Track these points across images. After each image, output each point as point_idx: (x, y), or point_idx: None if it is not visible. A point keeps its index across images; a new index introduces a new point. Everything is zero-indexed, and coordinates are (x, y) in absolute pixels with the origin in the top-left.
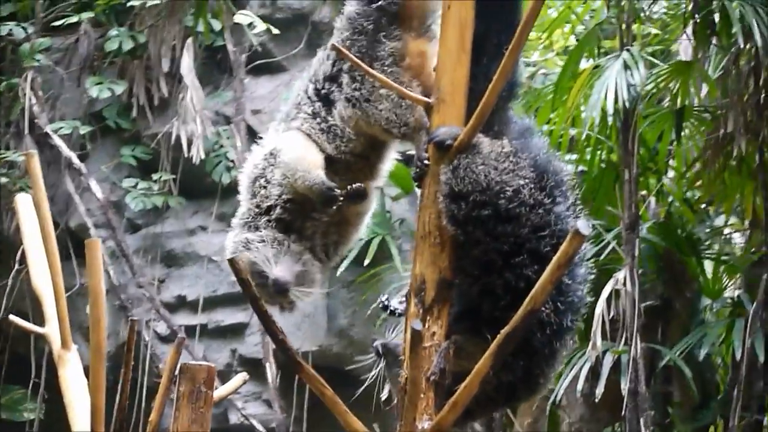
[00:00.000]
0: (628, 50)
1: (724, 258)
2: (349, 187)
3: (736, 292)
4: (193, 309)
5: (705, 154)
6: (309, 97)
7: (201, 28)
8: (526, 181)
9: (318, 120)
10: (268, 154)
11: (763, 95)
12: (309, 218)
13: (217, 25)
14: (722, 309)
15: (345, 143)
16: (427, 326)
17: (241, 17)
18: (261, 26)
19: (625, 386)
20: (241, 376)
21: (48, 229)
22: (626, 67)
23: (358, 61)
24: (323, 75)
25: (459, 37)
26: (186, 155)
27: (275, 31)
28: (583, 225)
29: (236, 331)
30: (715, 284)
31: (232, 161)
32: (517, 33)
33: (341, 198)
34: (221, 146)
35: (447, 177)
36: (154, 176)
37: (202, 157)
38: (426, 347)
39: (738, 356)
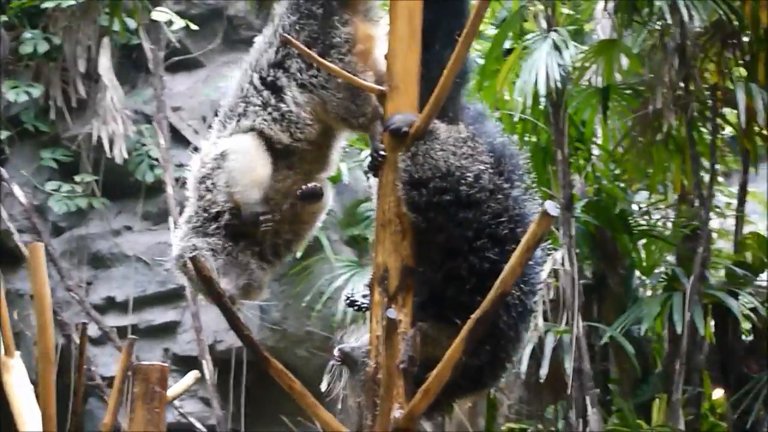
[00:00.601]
0: (556, 30)
1: (655, 234)
2: (303, 186)
3: (670, 266)
4: (123, 310)
5: (632, 131)
6: (255, 88)
7: (117, 27)
8: (486, 166)
9: (269, 110)
10: (218, 156)
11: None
12: (259, 223)
13: (132, 23)
14: (657, 284)
15: (300, 129)
16: None
17: (159, 14)
18: (179, 23)
19: (569, 365)
20: (193, 374)
21: None
22: (555, 47)
23: (309, 51)
24: (267, 63)
25: (408, 23)
26: (108, 155)
27: (194, 27)
28: (551, 206)
29: (168, 329)
30: (648, 260)
31: (156, 159)
32: (470, 18)
33: (268, 223)
34: (143, 145)
35: (406, 164)
36: (77, 178)
37: (125, 156)
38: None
39: (679, 330)
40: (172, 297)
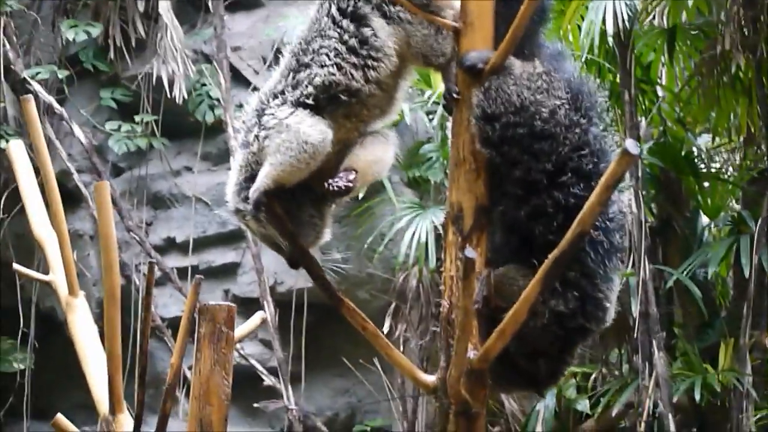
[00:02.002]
0: None
1: (721, 177)
2: (332, 181)
3: (735, 210)
4: (183, 251)
5: (698, 73)
6: (333, 19)
7: None
8: (562, 101)
9: (347, 37)
10: (279, 123)
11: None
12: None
13: None
14: (723, 228)
15: (378, 64)
16: None
17: None
18: None
19: (636, 309)
20: (259, 314)
21: (49, 175)
22: None
23: None
24: None
25: None
26: (168, 96)
27: None
28: (632, 144)
29: (228, 271)
30: (713, 203)
31: (216, 100)
32: None
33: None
34: (203, 85)
35: (479, 99)
36: (136, 118)
37: (185, 96)
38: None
39: (747, 274)
40: (232, 238)
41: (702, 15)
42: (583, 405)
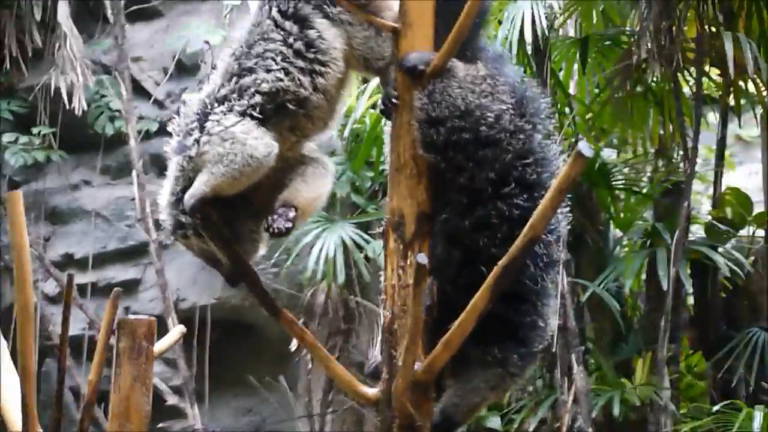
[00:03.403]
0: None
1: (634, 189)
2: (272, 219)
3: (648, 223)
4: (82, 267)
5: (611, 83)
6: (275, 21)
7: None
8: (507, 106)
9: (292, 41)
10: (222, 131)
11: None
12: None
13: None
14: (634, 240)
15: (326, 69)
16: (408, 262)
17: None
18: None
19: (554, 323)
20: (179, 328)
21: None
22: None
23: None
24: None
25: None
26: (66, 107)
27: None
28: (585, 147)
29: (129, 287)
30: (626, 215)
31: (117, 111)
32: None
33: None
34: (103, 96)
35: (422, 103)
36: (34, 130)
37: (84, 108)
38: (409, 285)
39: (665, 286)
40: (132, 254)
41: (614, 25)
42: (495, 422)
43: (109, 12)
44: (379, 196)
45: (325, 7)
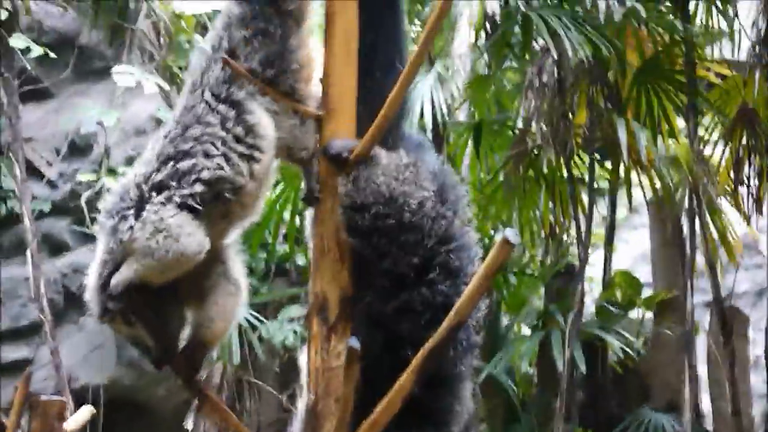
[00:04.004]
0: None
1: (526, 272)
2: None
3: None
4: None
5: (504, 167)
6: (208, 104)
7: None
8: (430, 193)
9: (230, 125)
10: (152, 223)
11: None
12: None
13: None
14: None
15: (261, 155)
16: (332, 345)
17: (17, 41)
18: (37, 50)
19: (470, 405)
20: (88, 408)
21: None
22: (440, 79)
23: (250, 77)
24: (216, 80)
25: (345, 46)
26: None
27: (52, 55)
28: (512, 234)
29: (21, 366)
30: (517, 298)
31: (11, 192)
32: (420, 44)
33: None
34: None
35: (347, 189)
36: None
37: None
38: (333, 367)
39: (560, 367)
40: (24, 333)
41: (504, 110)
42: None
43: (1, 92)
44: (271, 277)
45: (256, 95)
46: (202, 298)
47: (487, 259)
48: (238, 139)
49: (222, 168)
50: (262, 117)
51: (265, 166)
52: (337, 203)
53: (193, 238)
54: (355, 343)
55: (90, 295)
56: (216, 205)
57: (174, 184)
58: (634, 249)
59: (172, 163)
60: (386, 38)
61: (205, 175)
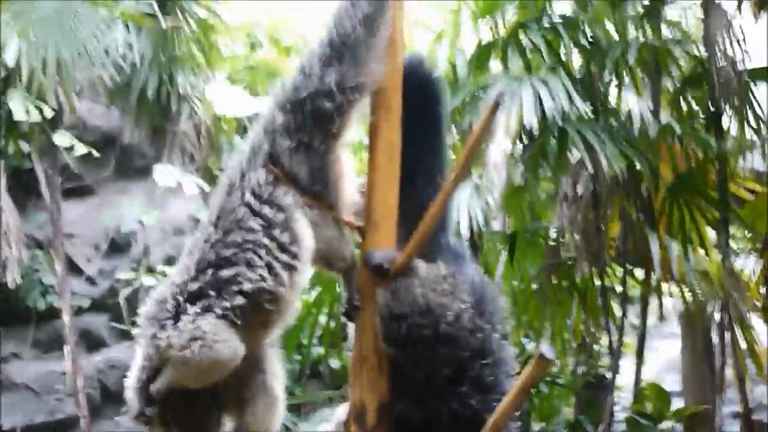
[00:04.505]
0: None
1: (557, 382)
2: None
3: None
4: None
5: (537, 278)
6: (250, 208)
7: (11, 150)
8: (466, 305)
9: (278, 235)
10: (196, 328)
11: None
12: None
13: (26, 147)
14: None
15: (302, 265)
16: None
17: (61, 139)
18: (81, 148)
19: None
20: None
21: None
22: (477, 190)
23: (298, 187)
24: (258, 182)
25: (389, 159)
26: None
27: (95, 154)
28: (547, 349)
29: None
30: (548, 406)
31: (51, 287)
32: (462, 161)
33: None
34: (36, 271)
35: (386, 299)
36: None
37: (18, 282)
38: None
39: None
40: (60, 427)
41: (538, 220)
42: None
43: (42, 187)
44: (305, 379)
45: (300, 204)
46: (241, 407)
47: (523, 374)
48: (282, 248)
49: (264, 279)
50: (305, 226)
51: (304, 277)
52: (376, 313)
53: (227, 344)
54: None
55: (129, 394)
56: (254, 314)
57: (213, 293)
58: (663, 357)
59: (211, 270)
60: (428, 150)
61: (246, 286)
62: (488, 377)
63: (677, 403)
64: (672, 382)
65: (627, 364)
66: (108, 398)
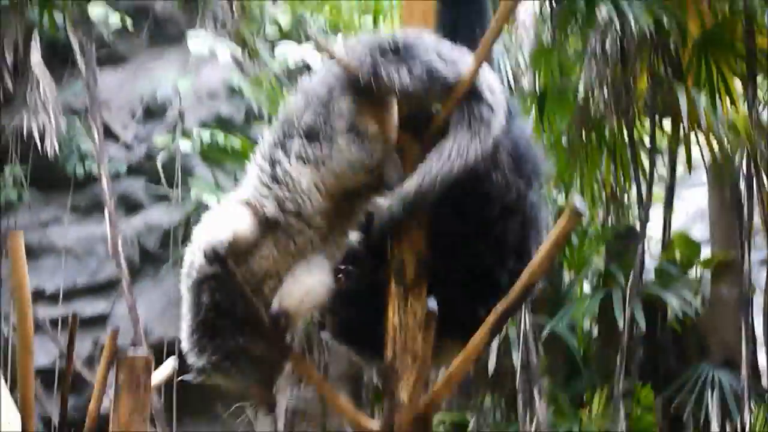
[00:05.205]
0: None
1: (587, 232)
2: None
3: (599, 265)
4: (53, 301)
5: (568, 133)
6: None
7: (46, 21)
8: (504, 161)
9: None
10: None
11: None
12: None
13: (59, 18)
14: (584, 279)
15: (292, 197)
16: (409, 305)
17: (96, 10)
18: (115, 18)
19: (517, 359)
20: (171, 361)
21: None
22: (506, 49)
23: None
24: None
25: (423, 25)
26: (39, 148)
27: (129, 24)
28: (580, 203)
29: (98, 321)
30: (579, 257)
31: (89, 153)
32: (498, 18)
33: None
34: (73, 138)
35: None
36: (6, 170)
37: (56, 149)
38: (410, 325)
39: (621, 326)
40: (101, 289)
41: (566, 77)
42: None
43: (78, 57)
44: None
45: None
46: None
47: (556, 228)
48: (264, 185)
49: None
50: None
51: (301, 209)
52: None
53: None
54: (433, 305)
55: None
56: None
57: None
58: (691, 206)
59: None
60: (469, 12)
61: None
62: (513, 237)
63: (705, 252)
64: (699, 231)
65: (655, 214)
66: (147, 259)
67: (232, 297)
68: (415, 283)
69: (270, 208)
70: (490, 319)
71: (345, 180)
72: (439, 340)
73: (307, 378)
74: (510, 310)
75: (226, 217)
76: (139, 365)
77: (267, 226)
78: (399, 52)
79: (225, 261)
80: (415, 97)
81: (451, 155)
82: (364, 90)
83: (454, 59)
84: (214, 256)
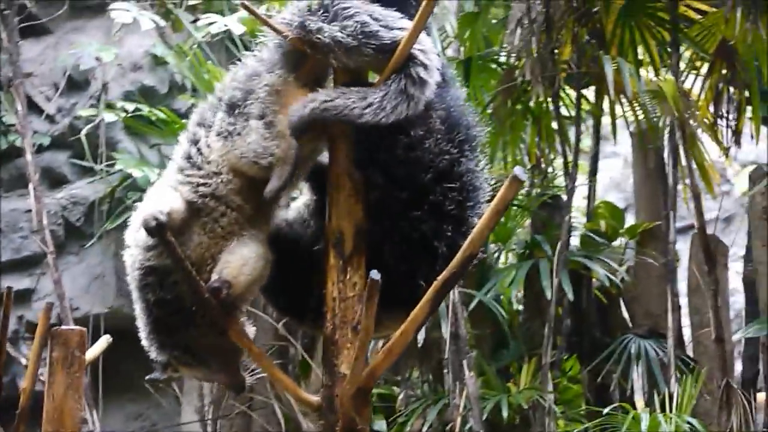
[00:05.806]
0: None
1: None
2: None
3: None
4: None
5: (492, 102)
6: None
7: None
8: (436, 127)
9: (185, 159)
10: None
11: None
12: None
13: None
14: (510, 251)
15: (205, 179)
16: (348, 276)
17: None
18: None
19: (446, 331)
20: (106, 338)
21: None
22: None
23: None
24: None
25: None
26: None
27: None
28: (520, 171)
29: (22, 297)
30: (504, 228)
31: (11, 126)
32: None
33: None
34: None
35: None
36: None
37: None
38: (349, 297)
39: (549, 296)
40: (26, 264)
41: (491, 45)
42: (380, 426)
43: (1, 29)
44: None
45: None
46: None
47: (497, 196)
48: (181, 169)
49: None
50: (207, 147)
51: (215, 191)
52: (350, 143)
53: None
54: (376, 275)
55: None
56: None
57: None
58: (604, 177)
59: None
60: None
61: None
62: (450, 204)
63: (627, 221)
64: (617, 200)
65: (578, 184)
66: (71, 234)
67: (175, 288)
68: (354, 254)
69: (185, 192)
70: (431, 290)
71: (243, 165)
72: (379, 313)
73: (247, 352)
74: (451, 281)
75: (160, 197)
76: (74, 340)
77: (192, 211)
78: (329, 12)
79: (165, 230)
80: (350, 57)
81: (372, 104)
82: (296, 61)
83: (388, 22)
84: (155, 225)
